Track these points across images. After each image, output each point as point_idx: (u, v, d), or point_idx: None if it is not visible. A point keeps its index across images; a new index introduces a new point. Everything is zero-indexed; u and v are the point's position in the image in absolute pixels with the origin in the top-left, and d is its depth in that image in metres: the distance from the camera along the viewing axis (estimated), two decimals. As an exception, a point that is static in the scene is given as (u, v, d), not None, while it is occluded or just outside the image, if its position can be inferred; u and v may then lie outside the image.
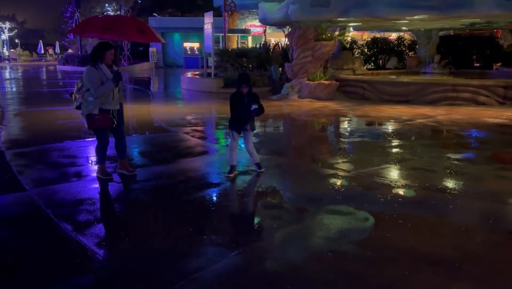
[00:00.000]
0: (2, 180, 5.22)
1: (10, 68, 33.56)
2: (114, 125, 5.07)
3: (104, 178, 5.19)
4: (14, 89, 17.52)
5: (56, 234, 3.74)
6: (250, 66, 16.64)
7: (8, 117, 9.89)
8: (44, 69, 33.06)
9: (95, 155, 6.48)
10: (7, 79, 23.47)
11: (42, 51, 55.95)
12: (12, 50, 55.05)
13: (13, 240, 3.60)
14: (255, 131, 5.51)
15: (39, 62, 47.24)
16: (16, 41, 66.84)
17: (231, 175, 5.35)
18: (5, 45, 55.88)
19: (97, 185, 5.02)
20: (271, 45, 19.38)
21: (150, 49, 32.10)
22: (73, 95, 5.04)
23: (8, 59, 47.99)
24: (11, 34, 63.92)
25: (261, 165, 5.53)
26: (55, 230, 3.80)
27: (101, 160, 5.25)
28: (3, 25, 60.53)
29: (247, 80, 5.13)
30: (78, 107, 5.01)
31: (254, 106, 5.03)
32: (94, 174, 5.35)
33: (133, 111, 11.30)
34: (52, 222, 3.96)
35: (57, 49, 52.33)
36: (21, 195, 4.68)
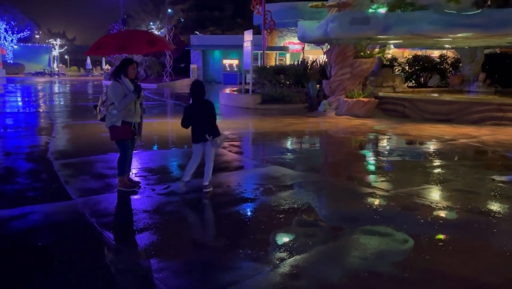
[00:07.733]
0: (50, 189, 5.50)
1: (59, 83, 35.34)
2: (135, 137, 5.30)
3: (127, 190, 5.27)
4: (62, 103, 18.45)
5: (100, 242, 3.90)
6: (288, 82, 16.76)
7: (57, 129, 10.41)
8: (90, 84, 34.59)
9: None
10: (56, 93, 24.74)
11: (90, 67, 58.60)
12: (61, 65, 58.05)
13: (59, 247, 3.78)
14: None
15: (86, 77, 49.47)
16: (66, 57, 70.50)
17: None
18: (55, 60, 58.98)
19: (138, 196, 5.19)
20: (309, 62, 19.44)
21: (191, 65, 32.92)
22: (97, 108, 5.30)
23: (57, 74, 50.58)
24: (61, 50, 67.53)
25: (205, 187, 5.34)
26: (99, 238, 3.97)
27: (122, 172, 5.31)
28: (55, 42, 64.07)
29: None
30: (102, 119, 5.27)
31: None
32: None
33: (172, 125, 11.60)
34: (95, 230, 4.13)
35: (103, 65, 54.74)
36: (67, 204, 4.91)
